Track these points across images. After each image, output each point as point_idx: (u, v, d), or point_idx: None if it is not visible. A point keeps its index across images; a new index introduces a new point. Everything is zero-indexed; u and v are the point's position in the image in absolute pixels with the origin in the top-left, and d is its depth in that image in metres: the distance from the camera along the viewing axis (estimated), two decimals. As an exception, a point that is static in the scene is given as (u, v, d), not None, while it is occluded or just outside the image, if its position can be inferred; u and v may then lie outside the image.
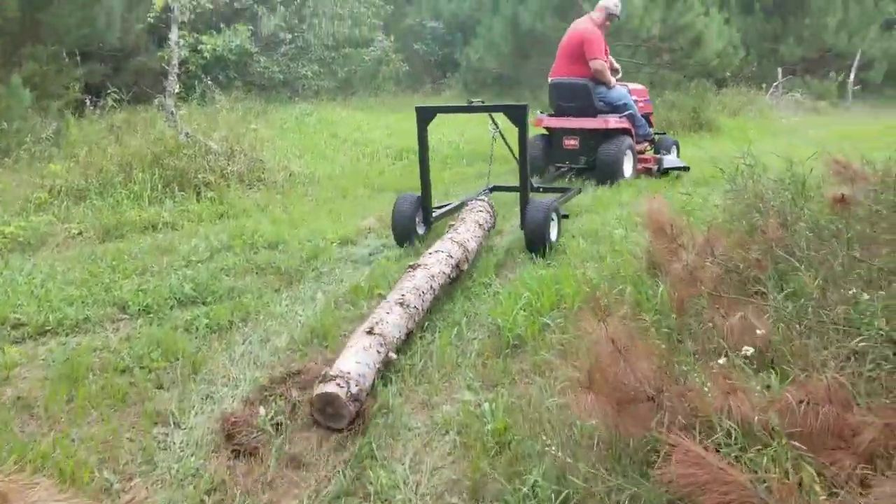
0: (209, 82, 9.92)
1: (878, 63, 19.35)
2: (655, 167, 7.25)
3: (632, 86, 7.63)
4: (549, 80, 7.41)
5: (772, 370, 2.25)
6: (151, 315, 3.56)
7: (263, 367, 3.04)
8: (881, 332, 2.14)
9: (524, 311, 3.39)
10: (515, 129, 4.67)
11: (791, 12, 19.60)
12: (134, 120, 7.95)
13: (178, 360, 3.05)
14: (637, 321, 3.10)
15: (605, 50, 7.13)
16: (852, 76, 19.02)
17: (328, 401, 2.55)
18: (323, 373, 2.66)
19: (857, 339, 2.19)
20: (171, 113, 7.16)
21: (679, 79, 11.36)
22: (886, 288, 2.49)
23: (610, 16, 7.14)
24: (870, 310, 2.26)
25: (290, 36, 10.94)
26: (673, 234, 3.62)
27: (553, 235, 4.63)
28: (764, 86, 15.87)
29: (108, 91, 8.58)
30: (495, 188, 5.88)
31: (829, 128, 12.37)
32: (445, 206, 5.32)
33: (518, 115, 4.65)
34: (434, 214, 5.07)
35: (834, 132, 11.59)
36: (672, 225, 3.63)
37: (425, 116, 4.86)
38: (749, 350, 2.34)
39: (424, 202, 4.97)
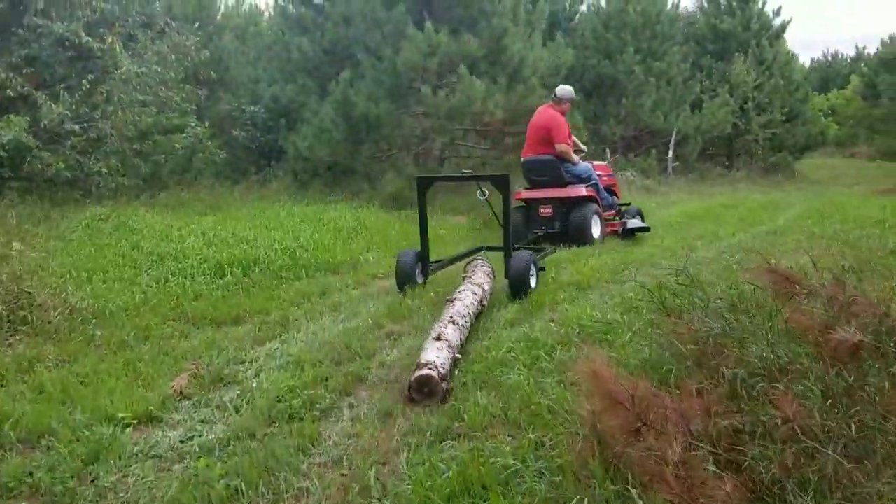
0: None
1: (691, 139, 20.25)
2: (621, 229, 8.53)
3: (596, 163, 8.96)
4: (523, 159, 8.50)
5: None
6: None
7: None
8: None
9: None
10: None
11: (609, 94, 20.19)
12: None
13: None
14: None
15: (569, 132, 8.37)
16: (671, 153, 19.72)
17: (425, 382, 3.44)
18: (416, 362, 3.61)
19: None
20: None
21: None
22: None
23: (570, 101, 8.51)
24: None
25: (77, 127, 9.09)
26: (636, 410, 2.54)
27: (533, 283, 5.56)
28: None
29: None
30: (488, 248, 6.81)
31: (672, 207, 12.28)
32: (441, 260, 6.35)
33: (501, 183, 5.63)
34: (431, 267, 6.05)
35: (679, 211, 11.41)
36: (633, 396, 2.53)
37: (424, 185, 5.94)
38: None
39: (423, 256, 5.94)
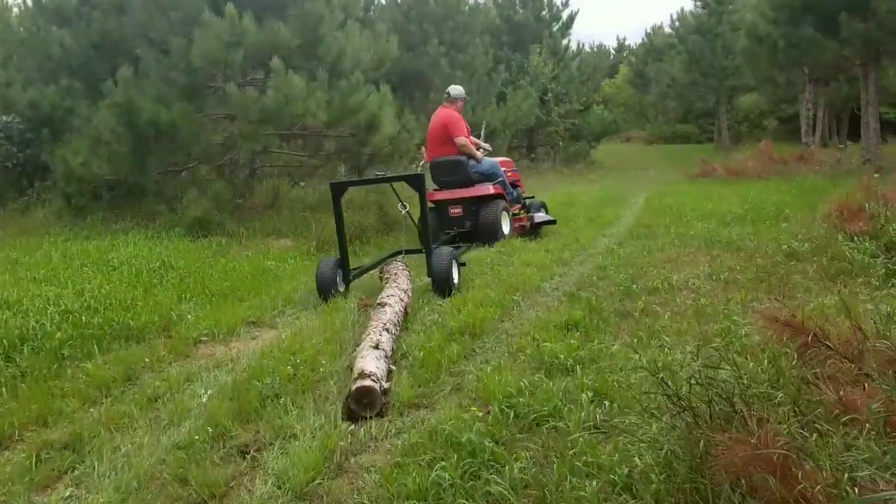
0: None
1: (500, 133, 19.84)
2: (528, 224, 8.70)
3: (499, 159, 8.91)
4: (429, 162, 8.47)
5: None
6: None
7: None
8: None
9: None
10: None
11: (415, 88, 19.23)
12: None
13: None
14: None
15: (468, 130, 8.41)
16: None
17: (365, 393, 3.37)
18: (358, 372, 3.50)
19: None
20: None
21: (353, 171, 9.35)
22: None
23: (463, 100, 8.60)
24: None
25: None
26: None
27: (456, 279, 5.71)
28: (415, 165, 14.82)
29: None
30: (407, 251, 6.56)
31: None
32: (360, 267, 6.34)
33: (417, 183, 5.90)
34: (352, 275, 6.07)
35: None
36: None
37: (338, 190, 6.06)
38: None
39: (343, 265, 5.99)
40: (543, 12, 23.95)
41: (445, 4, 18.92)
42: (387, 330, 4.24)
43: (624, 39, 75.40)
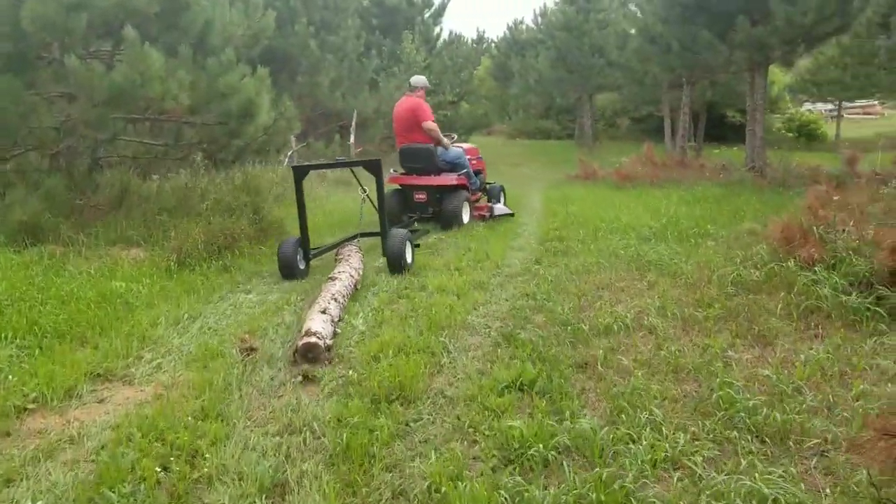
0: None
1: (371, 122, 18.70)
2: (488, 214, 9.11)
3: (465, 146, 9.51)
4: (398, 147, 8.94)
5: None
6: None
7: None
8: None
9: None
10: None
11: (281, 70, 17.68)
12: None
13: None
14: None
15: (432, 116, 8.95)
16: (352, 137, 17.95)
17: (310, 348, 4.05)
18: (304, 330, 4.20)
19: None
20: None
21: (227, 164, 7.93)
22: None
23: (424, 88, 8.95)
24: None
25: None
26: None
27: (409, 259, 6.30)
28: (284, 157, 13.40)
29: None
30: (362, 234, 7.06)
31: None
32: (320, 247, 6.71)
33: (374, 167, 6.25)
34: (311, 254, 6.47)
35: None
36: None
37: (300, 174, 6.30)
38: None
39: (303, 243, 6.35)
40: (416, -3, 23.00)
41: (315, -20, 17.49)
42: (335, 300, 4.88)
43: (483, 32, 75.86)
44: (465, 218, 8.66)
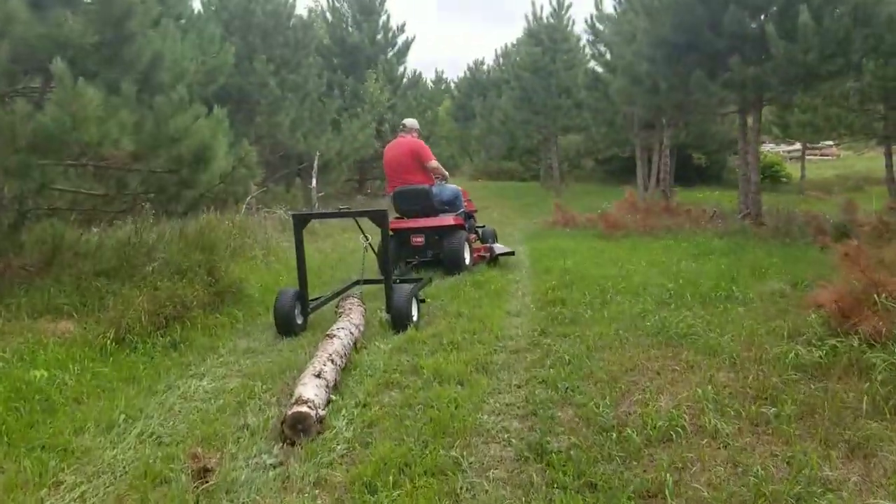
0: None
1: (334, 165, 17.76)
2: (488, 255, 8.74)
3: (452, 187, 9.11)
4: (392, 191, 8.72)
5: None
6: None
7: None
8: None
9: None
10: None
11: (238, 109, 16.72)
12: None
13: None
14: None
15: None
16: (314, 181, 16.96)
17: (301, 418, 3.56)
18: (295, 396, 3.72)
19: None
20: None
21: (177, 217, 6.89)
22: None
23: (417, 131, 9.03)
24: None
25: None
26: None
27: (415, 316, 5.82)
28: (242, 204, 12.32)
29: None
30: (365, 281, 6.69)
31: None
32: (320, 298, 6.32)
33: (380, 218, 5.93)
34: (311, 307, 6.01)
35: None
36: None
37: (300, 222, 6.03)
38: None
39: (302, 295, 5.88)
40: (379, 36, 22.25)
41: (275, 15, 16.61)
42: (331, 360, 4.36)
43: (442, 72, 75.82)
44: (468, 259, 8.36)
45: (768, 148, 37.10)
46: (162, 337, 5.44)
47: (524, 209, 21.41)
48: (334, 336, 4.83)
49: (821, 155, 42.49)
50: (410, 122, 9.08)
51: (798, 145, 31.71)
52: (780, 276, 6.91)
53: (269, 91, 15.77)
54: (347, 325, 5.19)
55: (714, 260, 8.03)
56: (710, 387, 4.15)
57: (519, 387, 4.43)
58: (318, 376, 4.06)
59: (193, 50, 7.36)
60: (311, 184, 16.70)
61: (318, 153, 16.74)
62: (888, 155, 17.55)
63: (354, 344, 5.06)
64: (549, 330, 5.65)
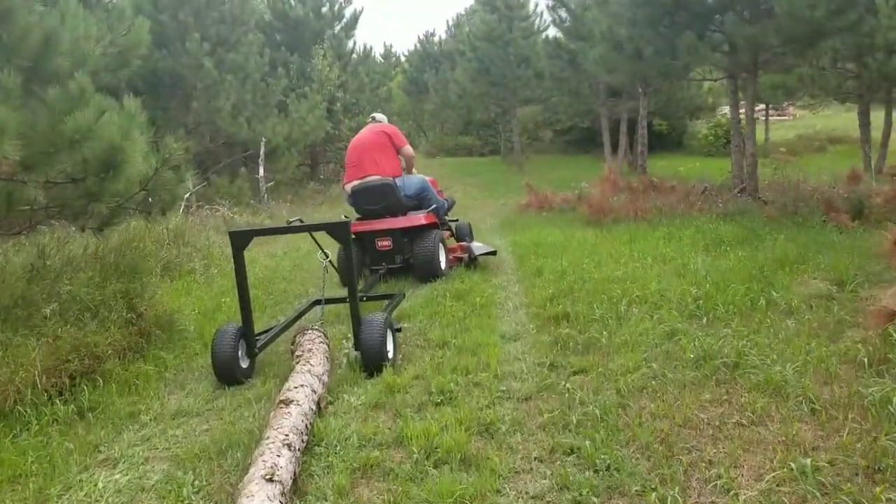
0: None
1: (283, 151, 16.36)
2: (465, 256, 7.56)
3: (420, 176, 8.02)
4: (349, 186, 7.46)
5: None
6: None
7: None
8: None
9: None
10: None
11: (171, 95, 15.21)
12: None
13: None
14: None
15: None
16: (261, 170, 15.57)
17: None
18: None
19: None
20: None
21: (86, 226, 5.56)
22: None
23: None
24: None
25: None
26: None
27: (391, 352, 4.62)
28: (180, 203, 10.93)
29: None
30: (326, 301, 5.55)
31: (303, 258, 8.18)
32: (269, 330, 5.12)
33: (340, 232, 4.82)
34: (259, 344, 4.83)
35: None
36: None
37: (239, 242, 4.71)
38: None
39: (246, 331, 4.71)
40: (324, 8, 20.69)
41: (209, -10, 15.07)
42: (288, 446, 3.12)
43: (391, 46, 73.74)
44: (443, 264, 7.25)
45: (724, 112, 36.53)
46: (64, 404, 4.17)
47: (488, 187, 20.29)
48: (290, 402, 3.59)
49: (778, 115, 42.12)
50: (380, 115, 8.33)
51: (761, 106, 31.06)
52: (817, 271, 5.89)
53: (205, 73, 14.28)
54: (307, 379, 3.95)
55: (731, 252, 6.96)
56: (798, 454, 3.08)
57: (541, 461, 3.31)
58: (271, 480, 2.84)
59: (99, 28, 6.00)
60: (258, 173, 15.32)
61: (264, 139, 15.34)
62: (863, 114, 16.90)
63: (318, 404, 3.90)
64: (559, 362, 4.53)
